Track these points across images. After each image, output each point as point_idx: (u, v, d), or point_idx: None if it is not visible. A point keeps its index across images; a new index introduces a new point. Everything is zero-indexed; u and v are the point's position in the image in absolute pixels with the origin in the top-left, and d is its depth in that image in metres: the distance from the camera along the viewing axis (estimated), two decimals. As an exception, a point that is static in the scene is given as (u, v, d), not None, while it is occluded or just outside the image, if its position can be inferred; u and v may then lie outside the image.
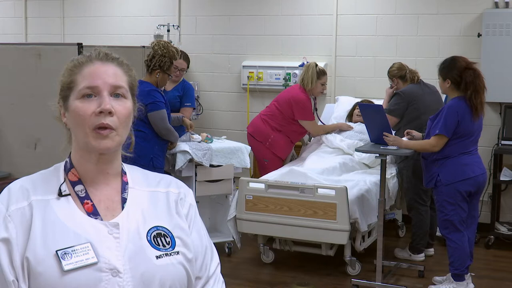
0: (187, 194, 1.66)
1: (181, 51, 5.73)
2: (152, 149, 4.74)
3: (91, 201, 1.52)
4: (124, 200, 1.56)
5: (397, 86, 5.33)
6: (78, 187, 1.53)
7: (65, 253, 1.42)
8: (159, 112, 4.71)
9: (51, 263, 1.41)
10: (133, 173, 1.64)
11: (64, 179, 1.54)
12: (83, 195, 1.53)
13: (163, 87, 5.14)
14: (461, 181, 4.38)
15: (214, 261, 1.66)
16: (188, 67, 5.97)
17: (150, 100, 4.67)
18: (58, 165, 1.59)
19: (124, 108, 1.53)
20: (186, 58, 5.89)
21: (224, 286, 1.68)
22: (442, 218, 4.46)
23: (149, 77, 4.83)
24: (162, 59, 4.80)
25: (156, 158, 4.78)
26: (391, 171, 5.42)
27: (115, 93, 1.53)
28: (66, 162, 1.58)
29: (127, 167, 1.64)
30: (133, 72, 1.61)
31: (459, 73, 4.36)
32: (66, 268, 1.41)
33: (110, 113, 1.49)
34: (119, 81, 1.54)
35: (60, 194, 1.51)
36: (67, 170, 1.56)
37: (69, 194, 1.52)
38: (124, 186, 1.58)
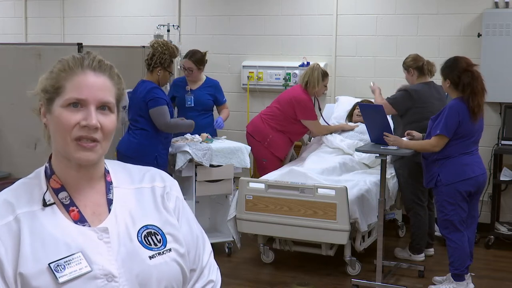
0: (173, 187, 1.64)
1: (193, 50, 5.74)
2: (156, 147, 4.83)
3: (77, 207, 1.50)
4: (110, 202, 1.54)
5: (412, 77, 5.24)
6: (62, 194, 1.50)
7: (58, 265, 1.41)
8: (159, 108, 4.76)
9: (45, 277, 1.40)
10: (116, 170, 1.61)
11: (47, 186, 1.51)
12: (68, 202, 1.50)
13: (188, 85, 5.17)
14: (461, 181, 4.38)
15: (207, 250, 1.65)
16: (200, 66, 5.81)
17: (151, 97, 4.74)
18: (38, 170, 1.55)
19: (110, 122, 1.50)
20: (196, 58, 5.76)
21: (219, 273, 1.67)
22: (442, 218, 4.46)
23: (151, 75, 4.87)
24: (163, 56, 4.85)
25: (160, 156, 4.87)
26: (391, 171, 5.42)
27: (102, 106, 1.50)
28: (46, 167, 1.54)
29: (110, 164, 1.61)
30: (122, 85, 1.57)
31: (459, 74, 4.35)
32: (61, 280, 1.39)
33: (96, 128, 1.47)
34: (108, 96, 1.50)
35: (44, 204, 1.48)
36: (48, 177, 1.52)
37: (54, 203, 1.49)
38: (109, 186, 1.56)
